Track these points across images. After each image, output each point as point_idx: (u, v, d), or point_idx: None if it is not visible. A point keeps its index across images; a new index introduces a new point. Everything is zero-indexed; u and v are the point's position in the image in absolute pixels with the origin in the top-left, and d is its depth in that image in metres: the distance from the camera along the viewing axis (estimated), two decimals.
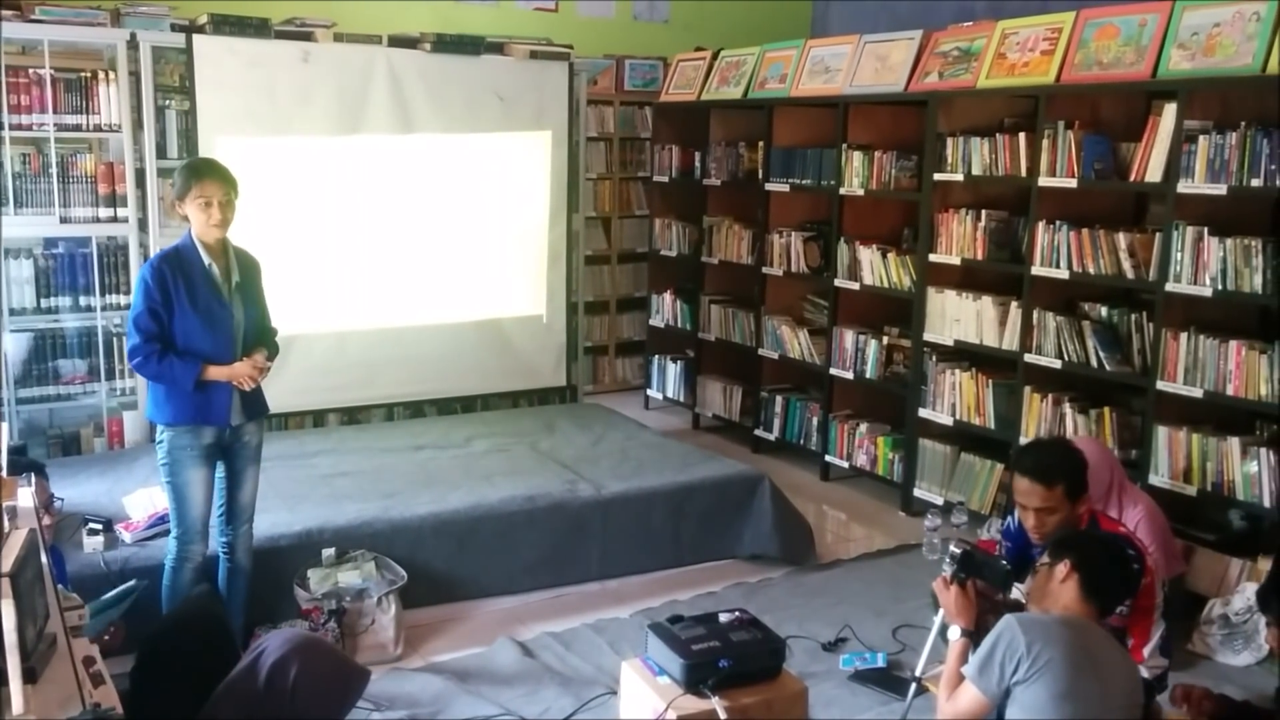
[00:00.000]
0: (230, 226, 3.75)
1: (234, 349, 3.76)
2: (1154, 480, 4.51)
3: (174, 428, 3.72)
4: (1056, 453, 3.56)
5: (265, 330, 3.94)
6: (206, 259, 3.71)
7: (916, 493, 5.76)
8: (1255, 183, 4.14)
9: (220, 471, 3.86)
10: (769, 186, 6.55)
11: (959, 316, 5.42)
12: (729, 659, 3.19)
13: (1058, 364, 4.94)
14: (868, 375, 6.03)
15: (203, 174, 3.71)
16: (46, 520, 3.64)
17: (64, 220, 5.31)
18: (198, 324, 3.67)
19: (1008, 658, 2.67)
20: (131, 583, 3.52)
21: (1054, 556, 2.94)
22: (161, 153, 5.48)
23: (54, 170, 5.25)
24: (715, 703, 3.11)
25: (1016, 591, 3.46)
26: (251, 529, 3.99)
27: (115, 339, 5.46)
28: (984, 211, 5.28)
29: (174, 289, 3.64)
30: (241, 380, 3.74)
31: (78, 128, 5.32)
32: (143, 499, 4.44)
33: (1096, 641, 2.77)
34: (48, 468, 4.66)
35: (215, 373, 3.69)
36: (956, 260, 5.41)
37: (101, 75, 5.32)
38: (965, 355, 5.51)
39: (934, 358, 5.61)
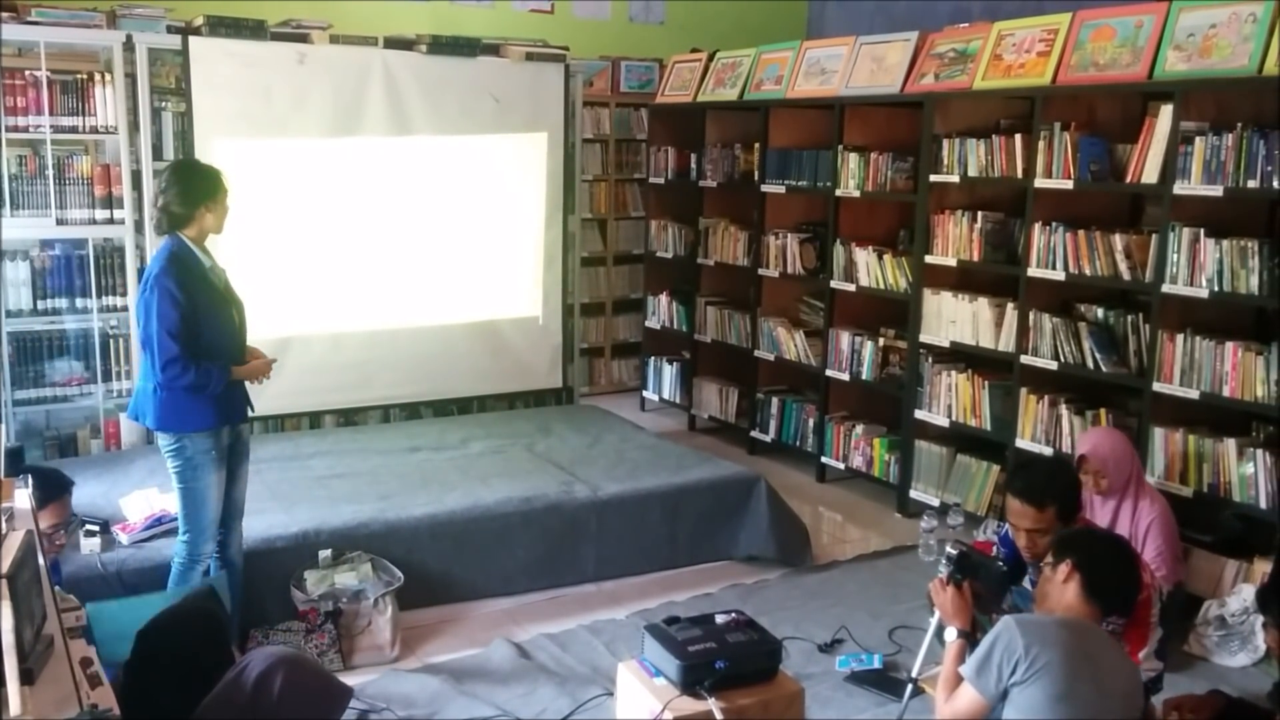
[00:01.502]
0: None
1: (240, 345, 3.81)
2: (1150, 481, 4.50)
3: (199, 433, 3.70)
4: (1050, 474, 3.55)
5: None
6: (206, 260, 3.72)
7: (912, 494, 5.76)
8: (1251, 184, 4.15)
9: None
10: (765, 188, 6.55)
11: (955, 318, 5.43)
12: (725, 660, 3.19)
13: (1054, 365, 4.94)
14: (864, 377, 6.04)
15: (222, 173, 3.79)
16: (59, 540, 3.60)
17: (60, 222, 5.30)
18: (219, 324, 3.70)
19: (1005, 659, 2.66)
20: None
21: (1056, 557, 2.91)
22: (158, 154, 5.47)
23: (50, 172, 5.24)
24: (712, 704, 3.11)
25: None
26: (242, 526, 4.01)
27: (112, 341, 5.47)
28: (980, 213, 5.28)
29: (194, 293, 3.64)
30: (261, 377, 3.83)
31: (74, 129, 5.32)
32: (139, 501, 4.44)
33: (1096, 644, 2.76)
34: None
35: (240, 372, 3.76)
36: (952, 262, 5.42)
37: (98, 77, 5.31)
38: (961, 357, 5.51)
39: (930, 359, 5.62)
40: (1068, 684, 2.60)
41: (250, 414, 3.90)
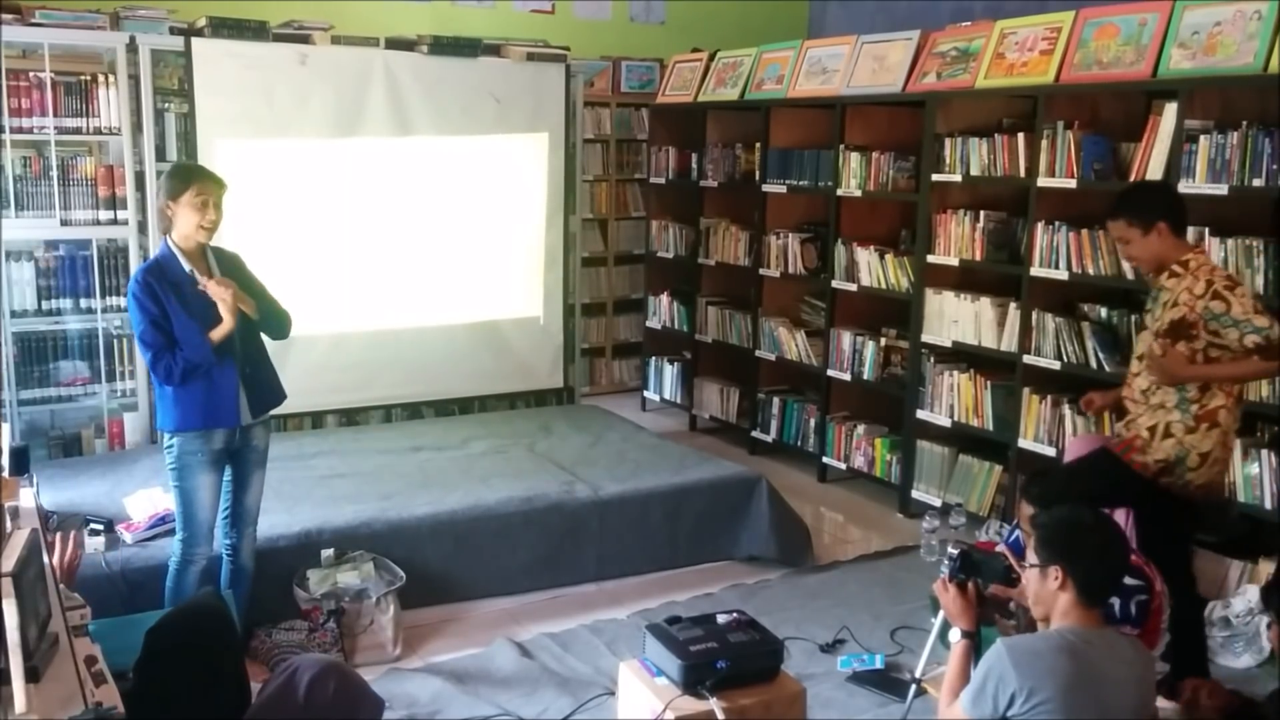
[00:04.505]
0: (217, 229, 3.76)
1: (234, 345, 3.76)
2: None
3: (184, 433, 3.72)
4: (1065, 483, 3.54)
5: (270, 311, 3.91)
6: (187, 265, 3.71)
7: (914, 494, 5.76)
8: (1257, 182, 4.14)
9: (226, 475, 3.87)
10: (766, 188, 6.55)
11: (957, 318, 5.43)
12: (727, 660, 3.19)
13: (1057, 365, 4.94)
14: (865, 377, 6.03)
15: (200, 174, 3.74)
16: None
17: (64, 223, 5.32)
18: (196, 328, 3.66)
19: (1000, 691, 2.61)
20: None
21: (1042, 558, 2.81)
22: (161, 155, 5.48)
23: (54, 173, 5.25)
24: (713, 704, 3.10)
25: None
26: (255, 532, 4.00)
27: (116, 341, 5.48)
28: (982, 212, 5.28)
29: (165, 298, 3.64)
30: (226, 301, 3.65)
31: (78, 130, 5.32)
32: (143, 500, 4.45)
33: (1098, 664, 2.66)
34: (46, 471, 4.64)
35: (219, 332, 3.65)
36: (954, 261, 5.42)
37: (101, 78, 5.32)
38: (963, 357, 5.51)
39: (932, 359, 5.61)
40: (1067, 715, 2.56)
41: (248, 420, 3.80)
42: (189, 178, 3.69)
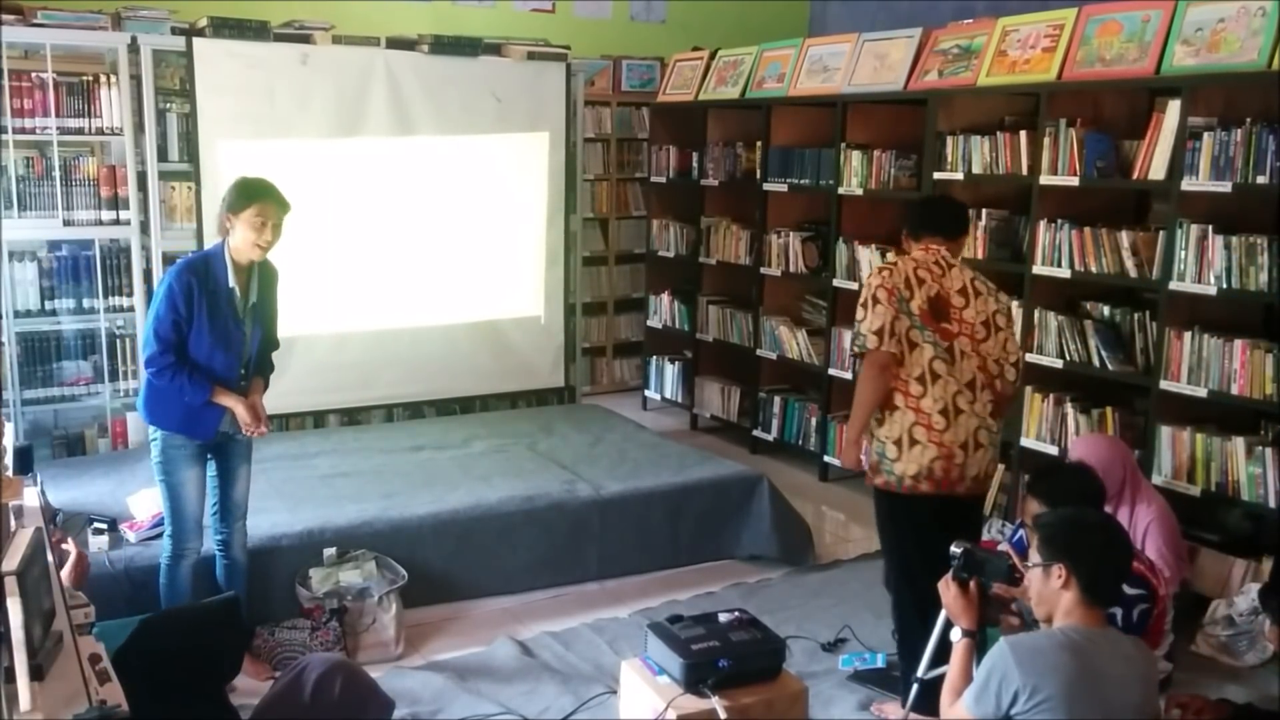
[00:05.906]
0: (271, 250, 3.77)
1: (239, 367, 3.78)
2: (1157, 480, 4.50)
3: (165, 430, 3.74)
4: (1073, 480, 3.54)
5: (269, 342, 3.94)
6: (231, 280, 3.71)
7: None
8: (1260, 180, 4.13)
9: (212, 470, 3.88)
10: (767, 187, 6.55)
11: None
12: (728, 659, 3.20)
13: (1059, 364, 4.93)
14: None
15: (263, 194, 3.72)
16: None
17: (67, 223, 5.32)
18: (210, 343, 3.67)
19: (1004, 689, 2.61)
20: None
21: (1045, 557, 2.79)
22: (162, 155, 5.49)
23: (56, 173, 5.26)
24: (715, 702, 3.11)
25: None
26: (245, 525, 4.00)
27: (118, 340, 5.49)
28: (984, 210, 5.27)
29: (197, 304, 3.64)
30: (243, 424, 3.73)
31: (80, 131, 5.33)
32: (146, 499, 4.44)
33: (1102, 659, 2.66)
34: (50, 470, 4.64)
35: (224, 399, 3.69)
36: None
37: (103, 79, 5.32)
38: None
39: None
40: (1070, 713, 2.56)
41: (231, 430, 3.79)
42: (251, 196, 3.69)
